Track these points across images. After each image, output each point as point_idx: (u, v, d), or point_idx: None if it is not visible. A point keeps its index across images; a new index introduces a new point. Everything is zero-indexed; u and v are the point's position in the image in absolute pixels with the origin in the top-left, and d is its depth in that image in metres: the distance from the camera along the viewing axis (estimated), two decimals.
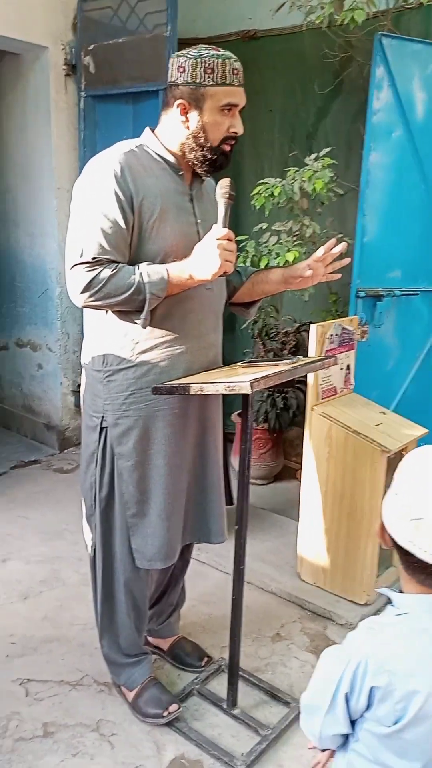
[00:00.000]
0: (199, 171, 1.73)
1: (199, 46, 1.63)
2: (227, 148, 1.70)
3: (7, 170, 4.02)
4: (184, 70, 1.62)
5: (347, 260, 1.88)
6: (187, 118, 1.66)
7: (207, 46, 1.63)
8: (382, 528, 1.16)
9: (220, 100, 1.62)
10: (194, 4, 3.73)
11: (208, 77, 1.60)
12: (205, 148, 1.68)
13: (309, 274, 1.82)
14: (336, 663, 1.14)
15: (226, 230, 1.63)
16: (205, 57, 1.60)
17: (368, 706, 1.11)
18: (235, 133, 1.68)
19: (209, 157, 1.69)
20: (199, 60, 1.59)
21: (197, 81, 1.61)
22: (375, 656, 1.08)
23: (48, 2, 3.48)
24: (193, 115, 1.65)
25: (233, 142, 1.70)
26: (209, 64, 1.59)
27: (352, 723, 1.16)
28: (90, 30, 3.52)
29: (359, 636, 1.14)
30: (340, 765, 1.21)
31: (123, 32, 3.37)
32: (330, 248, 1.82)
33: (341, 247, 1.82)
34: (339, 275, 1.89)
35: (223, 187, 1.66)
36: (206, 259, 1.62)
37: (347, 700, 1.12)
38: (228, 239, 1.62)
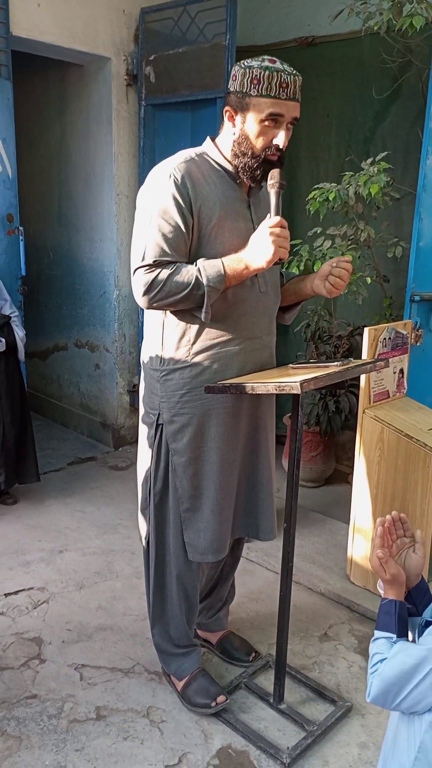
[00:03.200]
0: (244, 179, 1.76)
1: (262, 57, 1.66)
2: (273, 158, 1.71)
3: (69, 177, 4.18)
4: (235, 79, 1.68)
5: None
6: (233, 124, 1.72)
7: (266, 57, 1.66)
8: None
9: (263, 111, 1.65)
10: (253, 13, 3.79)
11: (254, 88, 1.63)
12: (247, 156, 1.71)
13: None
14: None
15: (279, 218, 1.66)
16: (254, 68, 1.63)
17: None
18: (277, 145, 1.70)
19: (252, 164, 1.72)
20: (248, 70, 1.64)
21: (243, 90, 1.65)
22: None
23: (112, 15, 3.61)
24: (238, 122, 1.70)
25: (278, 153, 1.71)
26: (256, 75, 1.62)
27: None
28: (151, 41, 3.63)
29: None
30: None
31: (183, 42, 3.46)
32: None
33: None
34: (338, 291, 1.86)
35: (273, 177, 1.69)
36: (261, 247, 1.66)
37: None
38: (281, 227, 1.66)
